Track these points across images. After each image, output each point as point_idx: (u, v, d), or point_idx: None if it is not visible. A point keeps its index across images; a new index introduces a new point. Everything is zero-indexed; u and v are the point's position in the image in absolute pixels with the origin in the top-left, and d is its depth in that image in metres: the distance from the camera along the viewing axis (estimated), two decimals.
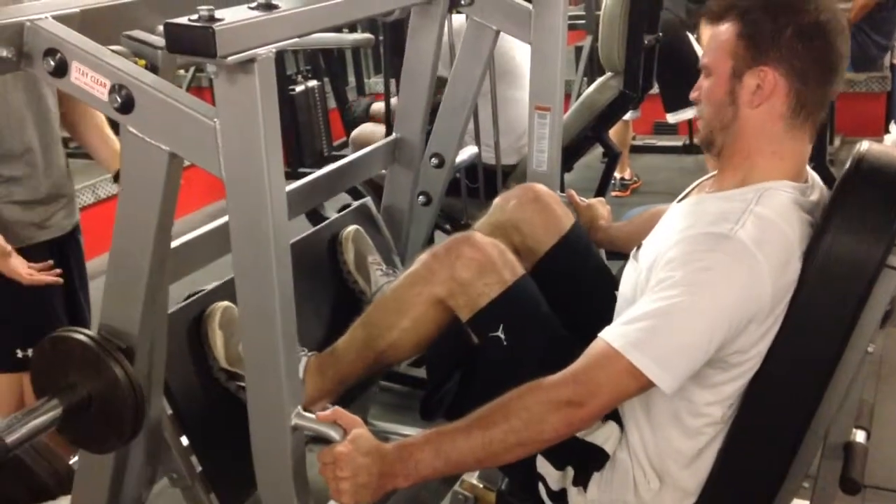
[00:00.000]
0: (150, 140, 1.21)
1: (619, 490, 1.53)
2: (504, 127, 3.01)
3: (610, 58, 3.14)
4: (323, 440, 1.37)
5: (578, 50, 4.99)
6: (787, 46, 1.43)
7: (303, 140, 4.62)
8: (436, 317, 1.68)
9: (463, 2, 2.04)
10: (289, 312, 1.27)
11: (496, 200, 1.92)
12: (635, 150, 5.48)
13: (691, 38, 4.36)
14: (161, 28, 1.12)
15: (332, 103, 4.98)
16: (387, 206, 2.23)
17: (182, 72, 5.06)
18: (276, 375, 1.28)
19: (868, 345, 1.43)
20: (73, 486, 1.51)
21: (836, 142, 5.21)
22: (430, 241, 2.39)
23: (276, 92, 1.18)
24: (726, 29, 1.48)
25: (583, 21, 4.85)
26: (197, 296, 1.76)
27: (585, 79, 4.73)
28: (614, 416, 1.53)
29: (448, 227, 3.09)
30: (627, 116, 4.42)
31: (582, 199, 2.06)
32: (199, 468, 1.64)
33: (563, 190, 2.10)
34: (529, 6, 2.04)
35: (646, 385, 1.36)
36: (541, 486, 1.60)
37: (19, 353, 2.15)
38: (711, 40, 1.51)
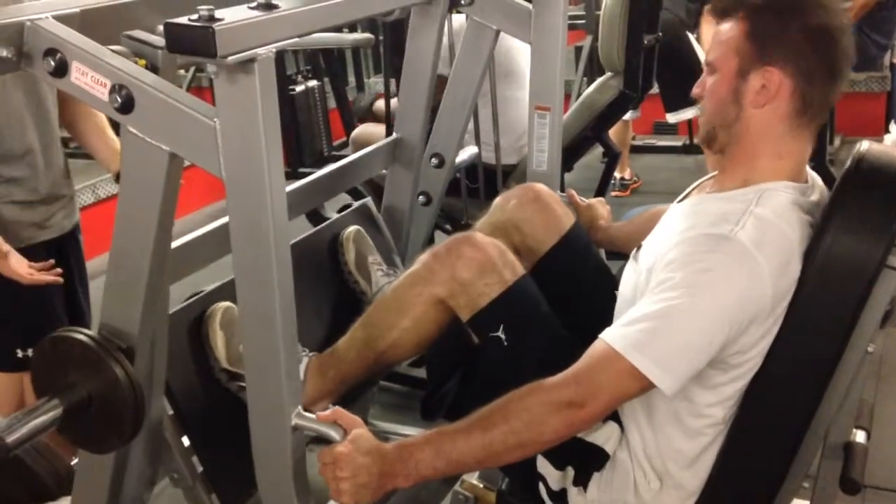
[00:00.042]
0: (151, 140, 1.21)
1: (620, 490, 1.53)
2: (504, 127, 3.01)
3: (610, 58, 3.14)
4: (323, 440, 1.37)
5: (578, 50, 4.99)
6: (795, 47, 1.42)
7: (303, 140, 4.63)
8: (436, 317, 1.68)
9: (463, 1, 2.04)
10: (289, 313, 1.27)
11: (496, 200, 1.92)
12: (635, 150, 5.48)
13: (691, 37, 4.36)
14: (161, 28, 1.12)
15: (332, 103, 4.98)
16: (387, 206, 2.23)
17: (182, 72, 5.06)
18: (277, 376, 1.28)
19: (868, 345, 1.43)
20: (73, 486, 1.51)
21: (836, 141, 5.21)
22: (430, 241, 2.39)
23: (276, 92, 1.18)
24: (733, 26, 1.46)
25: (583, 21, 4.84)
26: (198, 296, 1.76)
27: (585, 79, 4.73)
28: (614, 416, 1.53)
29: (448, 227, 3.09)
30: (627, 116, 4.43)
31: (582, 199, 2.06)
32: (201, 468, 1.64)
33: (563, 190, 2.10)
34: (529, 6, 2.04)
35: (646, 386, 1.36)
36: (541, 486, 1.60)
37: (19, 353, 2.15)
38: (717, 37, 1.50)
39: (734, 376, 1.44)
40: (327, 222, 2.11)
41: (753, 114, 1.46)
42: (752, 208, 1.41)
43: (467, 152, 2.57)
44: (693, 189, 1.66)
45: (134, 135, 1.21)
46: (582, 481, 1.56)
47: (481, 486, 1.89)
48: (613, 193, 4.83)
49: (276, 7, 1.15)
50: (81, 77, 1.21)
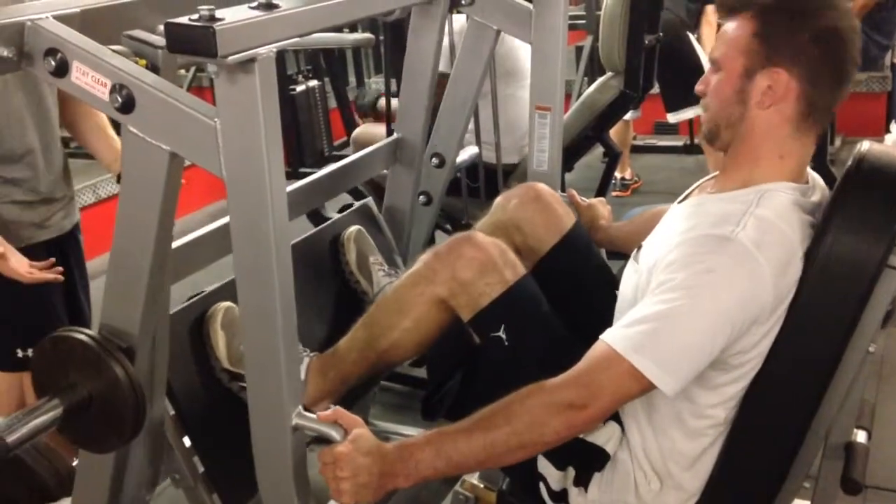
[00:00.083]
0: (151, 140, 1.21)
1: (620, 490, 1.53)
2: (506, 126, 3.01)
3: (610, 58, 3.14)
4: (324, 440, 1.37)
5: (579, 50, 5.00)
6: (803, 49, 1.41)
7: (303, 140, 4.63)
8: (437, 316, 1.68)
9: (463, 1, 2.04)
10: (289, 313, 1.27)
11: (497, 200, 1.92)
12: (636, 149, 5.48)
13: (692, 37, 4.36)
14: (162, 28, 1.12)
15: (332, 103, 4.98)
16: (388, 206, 2.23)
17: (183, 71, 5.06)
18: (277, 375, 1.28)
19: (869, 345, 1.43)
20: (73, 486, 1.51)
21: (837, 142, 5.22)
22: (430, 241, 2.39)
23: (277, 92, 1.18)
24: (741, 25, 1.45)
25: (583, 21, 4.85)
26: (199, 296, 1.76)
27: (586, 79, 4.73)
28: (615, 416, 1.53)
29: (449, 227, 3.09)
30: (628, 116, 4.43)
31: (582, 198, 2.06)
32: (202, 469, 1.64)
33: (563, 190, 2.10)
34: (530, 6, 2.03)
35: (648, 387, 1.35)
36: (542, 487, 1.60)
37: (19, 353, 2.15)
38: (723, 34, 1.48)
39: (735, 377, 1.44)
40: (328, 222, 2.11)
41: (758, 114, 1.45)
42: (753, 209, 1.41)
43: (468, 152, 2.57)
44: (693, 189, 1.66)
45: (134, 135, 1.21)
46: (583, 481, 1.56)
47: (482, 486, 1.89)
48: (614, 193, 4.83)
49: (276, 7, 1.15)
50: (82, 77, 1.21)
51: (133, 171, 1.26)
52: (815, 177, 1.55)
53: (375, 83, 4.58)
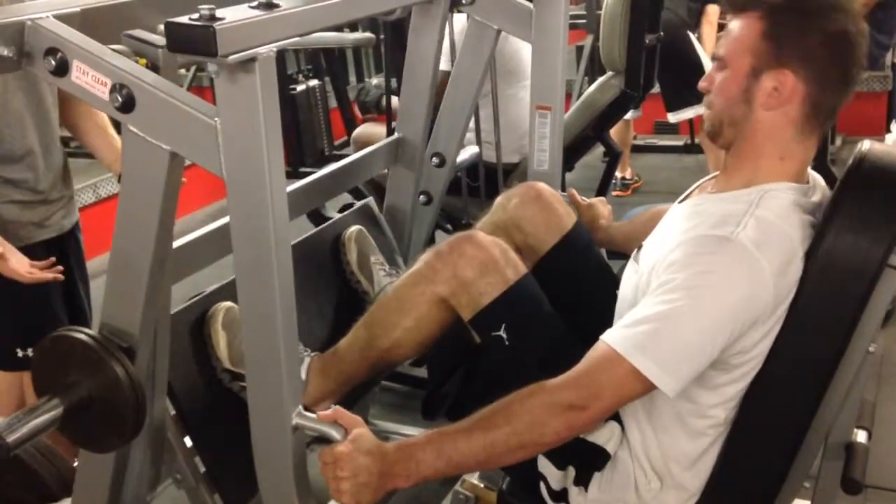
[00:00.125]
0: (151, 139, 1.21)
1: (621, 490, 1.53)
2: (506, 125, 3.01)
3: (611, 57, 3.14)
4: (324, 440, 1.37)
5: (579, 49, 5.00)
6: (812, 52, 1.40)
7: (304, 139, 4.63)
8: (438, 316, 1.68)
9: (464, 1, 2.04)
10: (290, 313, 1.27)
11: (498, 199, 1.92)
12: (636, 149, 5.48)
13: (692, 37, 4.36)
14: (162, 27, 1.12)
15: (333, 102, 4.98)
16: (389, 205, 2.23)
17: (183, 71, 5.06)
18: (277, 375, 1.28)
19: (869, 344, 1.43)
20: (74, 486, 1.51)
21: (838, 141, 5.22)
22: (431, 240, 2.39)
23: (277, 91, 1.18)
24: (750, 23, 1.43)
25: (584, 20, 4.85)
26: (200, 297, 1.76)
27: (586, 78, 4.73)
28: (616, 416, 1.53)
29: (449, 226, 3.09)
30: (628, 116, 4.42)
31: (583, 198, 2.06)
32: (203, 469, 1.64)
33: (564, 189, 2.10)
34: (530, 6, 2.03)
35: (648, 388, 1.35)
36: (542, 486, 1.60)
37: (19, 353, 2.15)
38: (730, 32, 1.47)
39: (736, 377, 1.43)
40: (329, 222, 2.11)
41: (763, 116, 1.44)
42: (754, 209, 1.40)
43: (468, 151, 2.57)
44: (694, 189, 1.66)
45: (135, 134, 1.21)
46: (583, 481, 1.56)
47: (482, 485, 1.89)
48: (614, 193, 4.83)
49: (276, 6, 1.15)
50: (82, 76, 1.21)
51: (133, 170, 1.26)
52: (815, 177, 1.55)
53: (377, 82, 4.58)
